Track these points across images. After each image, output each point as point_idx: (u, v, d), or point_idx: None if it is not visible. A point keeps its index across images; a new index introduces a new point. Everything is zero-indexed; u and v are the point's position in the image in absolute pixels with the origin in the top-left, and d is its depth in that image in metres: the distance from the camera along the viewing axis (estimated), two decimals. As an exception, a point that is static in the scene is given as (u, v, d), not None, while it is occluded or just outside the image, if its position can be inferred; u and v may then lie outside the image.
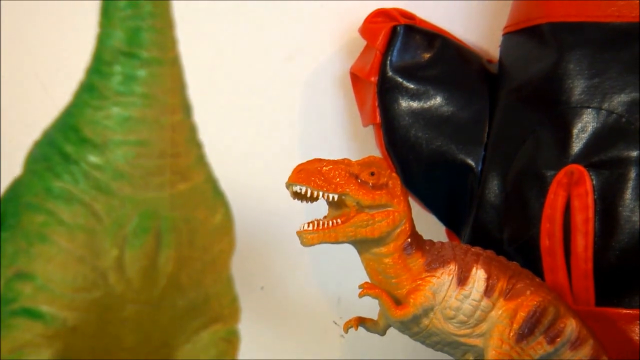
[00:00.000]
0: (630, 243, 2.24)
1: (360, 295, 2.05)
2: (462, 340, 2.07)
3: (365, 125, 2.49)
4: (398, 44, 2.42)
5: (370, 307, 2.09)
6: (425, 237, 2.07)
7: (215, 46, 2.31)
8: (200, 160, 1.41)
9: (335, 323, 2.21)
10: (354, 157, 2.04)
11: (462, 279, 2.04)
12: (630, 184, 2.25)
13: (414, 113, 2.42)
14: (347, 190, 1.96)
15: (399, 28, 2.43)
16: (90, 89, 1.38)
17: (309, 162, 1.99)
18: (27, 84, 2.36)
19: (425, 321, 2.04)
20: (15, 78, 2.44)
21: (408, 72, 2.42)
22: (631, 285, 2.24)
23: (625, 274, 2.24)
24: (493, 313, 2.05)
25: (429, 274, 2.03)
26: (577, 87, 2.31)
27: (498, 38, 2.48)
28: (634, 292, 2.24)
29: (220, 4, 2.44)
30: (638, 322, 2.22)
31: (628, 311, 2.23)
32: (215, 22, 2.43)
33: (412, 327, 2.06)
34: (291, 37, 2.55)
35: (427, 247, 2.05)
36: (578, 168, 2.26)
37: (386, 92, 2.42)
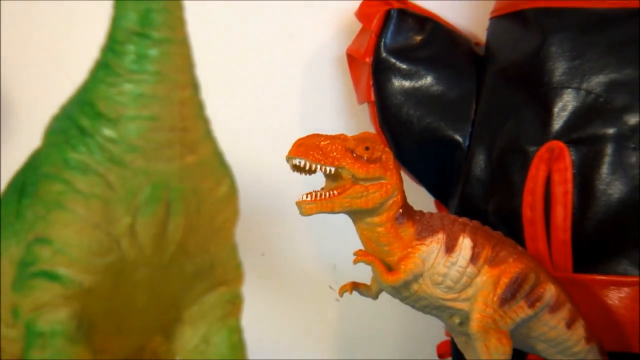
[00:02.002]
0: (606, 214, 2.25)
1: (355, 262, 2.06)
2: (449, 304, 2.08)
3: (360, 103, 2.50)
4: (392, 27, 2.43)
5: (364, 273, 2.10)
6: (416, 208, 2.08)
7: (220, 29, 2.32)
8: (208, 134, 1.42)
9: (331, 287, 2.22)
10: (349, 133, 2.05)
11: (450, 247, 2.05)
12: (607, 160, 2.26)
13: (406, 92, 2.43)
14: (343, 163, 1.97)
15: (392, 12, 2.44)
16: (105, 66, 1.39)
17: (307, 137, 2.00)
18: (43, 60, 2.36)
19: (415, 286, 2.06)
20: (31, 56, 2.45)
21: (401, 53, 2.44)
22: (606, 253, 2.26)
23: (601, 243, 2.26)
24: (478, 279, 2.06)
25: (418, 242, 2.04)
26: (559, 69, 2.32)
27: (485, 22, 2.49)
28: (608, 260, 2.25)
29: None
30: (611, 287, 2.24)
31: (603, 277, 2.24)
32: (221, 5, 2.43)
33: (403, 292, 2.07)
34: (291, 19, 2.55)
35: (418, 217, 2.06)
36: (558, 144, 2.28)
37: (380, 72, 2.43)
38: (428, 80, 2.44)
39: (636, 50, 2.30)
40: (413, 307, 2.12)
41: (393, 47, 2.43)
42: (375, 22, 2.44)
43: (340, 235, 2.20)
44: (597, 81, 2.30)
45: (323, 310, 2.48)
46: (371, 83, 2.44)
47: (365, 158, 1.99)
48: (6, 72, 2.47)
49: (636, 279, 2.24)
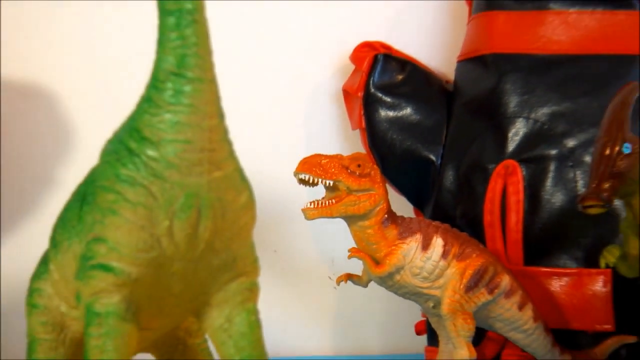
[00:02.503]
0: (550, 219, 2.27)
1: (349, 257, 2.09)
2: (425, 291, 2.10)
3: (353, 129, 2.50)
4: (378, 68, 2.43)
5: (357, 267, 2.10)
6: (398, 213, 2.09)
7: (240, 69, 2.30)
8: (231, 154, 1.42)
9: (330, 278, 2.21)
10: (345, 153, 2.06)
11: (425, 245, 2.07)
12: (550, 175, 2.28)
13: (390, 120, 2.43)
14: (340, 177, 2.01)
15: (379, 56, 2.44)
16: (149, 100, 1.38)
17: (311, 156, 2.03)
18: (99, 95, 2.35)
19: (397, 277, 2.07)
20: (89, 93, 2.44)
21: (386, 89, 2.44)
22: (550, 250, 2.26)
23: (546, 242, 2.26)
24: (448, 271, 2.08)
25: (400, 242, 2.07)
26: (512, 102, 2.33)
27: (453, 65, 2.48)
28: (552, 255, 2.26)
29: (241, 34, 2.44)
30: (554, 277, 2.24)
31: (547, 269, 2.26)
32: (238, 49, 2.42)
33: (387, 281, 2.09)
34: (299, 61, 2.54)
35: (399, 221, 2.08)
36: (512, 163, 2.29)
37: (369, 104, 2.44)
38: (408, 111, 2.44)
39: (573, 87, 2.32)
40: (396, 293, 2.14)
41: (379, 84, 2.43)
42: (366, 64, 2.44)
43: (337, 235, 2.19)
44: (542, 112, 2.30)
45: (324, 295, 2.47)
46: (362, 113, 2.44)
47: (357, 173, 2.02)
48: (70, 106, 2.47)
49: (574, 270, 2.26)
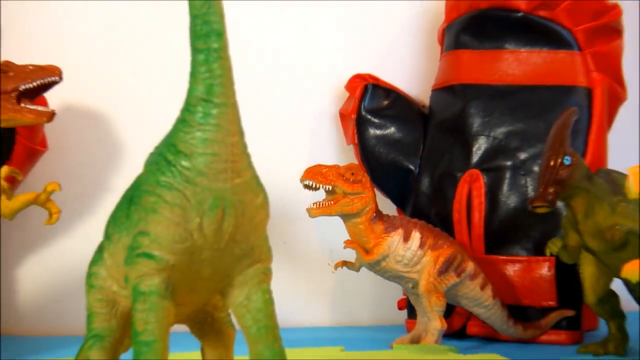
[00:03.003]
0: (506, 217, 2.28)
1: (345, 247, 2.11)
2: (405, 275, 2.11)
3: (348, 144, 2.49)
4: (368, 95, 2.43)
5: (351, 255, 2.09)
6: (384, 212, 2.09)
7: (257, 96, 2.29)
8: (249, 164, 1.41)
9: (329, 264, 2.21)
10: (341, 164, 2.08)
11: (406, 238, 2.09)
12: (506, 181, 2.30)
13: (377, 137, 2.43)
14: (337, 183, 2.03)
15: (369, 86, 2.44)
16: (183, 121, 1.37)
17: (313, 166, 2.06)
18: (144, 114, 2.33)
19: (383, 263, 2.09)
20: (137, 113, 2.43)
21: (374, 112, 2.43)
22: (506, 242, 2.27)
23: (503, 235, 2.28)
24: (424, 259, 2.10)
25: (386, 235, 2.09)
26: (475, 123, 2.33)
27: (429, 93, 2.47)
28: (507, 246, 2.28)
29: (259, 68, 2.43)
30: (509, 263, 2.26)
31: (503, 257, 2.27)
32: (256, 80, 2.41)
33: (375, 267, 2.11)
34: (305, 89, 2.54)
35: (385, 218, 2.11)
36: (476, 171, 2.29)
37: (361, 124, 2.44)
38: (392, 130, 2.44)
39: (524, 111, 2.34)
40: (382, 276, 2.16)
41: (369, 108, 2.43)
42: (358, 92, 2.44)
43: (335, 230, 2.18)
44: (500, 131, 2.31)
45: (324, 278, 2.46)
46: (355, 131, 2.45)
47: (351, 180, 2.05)
48: (120, 129, 2.46)
49: (525, 258, 2.28)
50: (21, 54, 2.27)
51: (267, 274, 1.45)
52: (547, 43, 2.34)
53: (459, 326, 2.27)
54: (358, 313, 2.52)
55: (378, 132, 2.43)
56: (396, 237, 2.09)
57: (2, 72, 1.96)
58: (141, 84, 2.44)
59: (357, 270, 2.14)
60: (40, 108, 2.00)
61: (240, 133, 1.40)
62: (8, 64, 1.98)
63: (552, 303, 2.23)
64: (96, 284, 1.52)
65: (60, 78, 1.99)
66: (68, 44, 2.42)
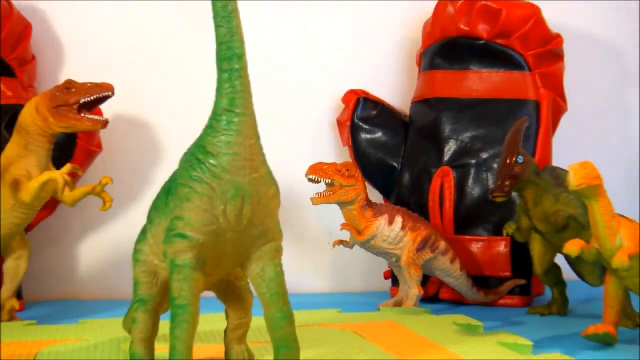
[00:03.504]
0: (470, 204, 2.28)
1: (341, 229, 2.12)
2: (390, 251, 2.12)
3: (343, 146, 2.48)
4: (360, 106, 2.43)
5: (346, 235, 2.08)
6: (373, 200, 2.08)
7: (270, 107, 2.27)
8: (264, 162, 1.40)
9: (328, 242, 2.19)
10: (338, 161, 2.07)
11: (390, 221, 2.09)
12: (471, 176, 2.29)
13: (367, 140, 2.42)
14: (335, 177, 2.04)
15: (360, 99, 2.44)
16: (210, 127, 1.37)
17: (316, 163, 2.06)
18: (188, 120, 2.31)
19: (372, 242, 2.09)
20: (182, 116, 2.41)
21: (364, 120, 2.43)
22: (471, 225, 2.27)
23: (468, 219, 2.26)
24: (405, 238, 2.11)
25: (374, 219, 2.09)
26: (446, 129, 2.33)
27: (409, 104, 2.46)
28: (472, 228, 2.27)
29: (269, 83, 2.42)
30: (473, 242, 2.26)
31: (469, 237, 2.27)
32: (268, 94, 2.40)
33: (366, 245, 2.11)
34: (309, 102, 2.52)
35: (374, 206, 2.11)
36: (447, 168, 2.29)
37: (354, 130, 2.43)
38: (379, 134, 2.42)
39: (485, 120, 2.33)
40: (371, 252, 2.16)
41: (360, 117, 2.42)
42: (352, 104, 2.44)
43: (333, 215, 2.17)
44: (466, 135, 2.31)
45: (324, 254, 2.45)
46: (349, 135, 2.44)
47: (346, 175, 2.06)
48: (160, 132, 2.45)
49: (486, 238, 2.28)
50: (76, 69, 2.29)
51: (278, 251, 1.44)
52: (504, 65, 2.34)
53: (433, 292, 2.26)
54: (351, 282, 2.51)
55: (368, 136, 2.42)
56: (382, 220, 2.08)
57: (66, 88, 1.96)
58: (176, 97, 2.44)
59: (351, 247, 2.13)
60: (96, 117, 2.00)
61: (257, 137, 1.39)
62: (70, 81, 1.98)
63: (507, 273, 2.23)
64: (141, 259, 1.51)
65: (112, 93, 1.98)
66: (116, 60, 2.41)
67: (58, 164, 2.01)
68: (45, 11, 2.41)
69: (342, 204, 2.06)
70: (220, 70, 1.37)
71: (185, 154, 1.42)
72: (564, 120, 2.44)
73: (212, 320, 1.71)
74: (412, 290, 2.08)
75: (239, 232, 1.39)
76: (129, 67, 2.39)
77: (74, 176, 2.04)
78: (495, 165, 2.19)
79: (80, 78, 2.03)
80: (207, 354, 1.61)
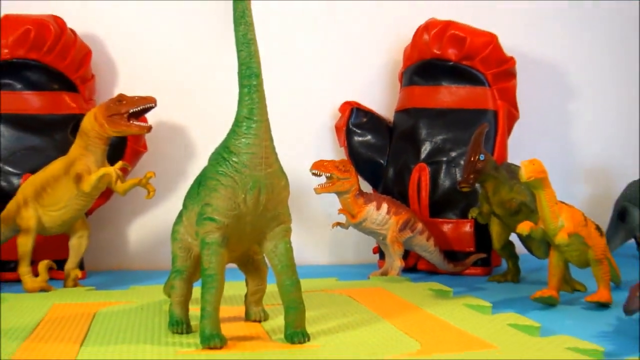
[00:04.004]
0: (442, 194, 2.25)
1: (338, 213, 2.10)
2: (378, 231, 2.11)
3: (340, 146, 2.45)
4: (353, 115, 2.41)
5: (342, 218, 2.07)
6: (364, 190, 2.07)
7: (280, 116, 2.24)
8: (276, 159, 1.39)
9: (328, 224, 2.18)
10: (336, 159, 2.06)
11: (378, 207, 2.08)
12: (443, 171, 2.28)
13: (359, 142, 2.40)
14: (334, 172, 2.03)
15: (354, 109, 2.42)
16: (233, 132, 1.37)
17: (318, 161, 2.04)
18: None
19: (363, 224, 2.09)
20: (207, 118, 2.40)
21: (357, 126, 2.40)
22: (443, 210, 2.25)
23: (440, 205, 2.25)
24: (390, 220, 2.10)
25: (365, 205, 2.08)
26: (423, 133, 2.32)
27: (393, 113, 2.44)
28: (444, 212, 2.26)
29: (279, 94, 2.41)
30: (445, 224, 2.24)
31: (441, 220, 2.25)
32: (277, 103, 2.38)
33: (358, 226, 2.10)
34: (312, 110, 2.50)
35: (365, 195, 2.09)
36: (423, 164, 2.29)
37: (348, 134, 2.41)
38: (369, 137, 2.41)
39: (454, 126, 2.30)
40: (362, 232, 2.15)
41: (354, 123, 2.40)
42: (347, 113, 2.42)
43: (332, 202, 2.16)
44: (439, 138, 2.30)
45: (325, 233, 2.43)
46: (344, 138, 2.41)
47: (342, 170, 2.05)
48: (192, 134, 2.44)
49: (454, 220, 2.26)
50: (126, 85, 2.26)
51: (288, 231, 1.44)
52: (469, 82, 2.32)
53: (412, 264, 2.25)
54: (346, 255, 2.49)
55: (359, 139, 2.40)
56: (371, 206, 2.07)
57: (118, 101, 1.96)
58: (205, 107, 2.42)
59: (346, 228, 2.11)
60: (142, 124, 2.01)
61: (271, 139, 1.39)
62: (122, 95, 1.98)
63: (471, 249, 2.22)
64: (177, 237, 1.51)
65: (155, 104, 1.99)
66: (158, 78, 2.40)
67: (112, 161, 2.01)
68: (102, 39, 2.40)
69: (339, 194, 2.05)
70: (241, 85, 1.36)
71: (213, 153, 1.41)
72: (517, 126, 2.43)
73: (235, 287, 1.70)
74: (395, 262, 2.07)
75: (256, 216, 1.39)
76: (168, 83, 2.38)
77: (124, 171, 2.04)
78: (462, 162, 2.18)
79: (129, 92, 2.02)
80: (230, 314, 1.60)
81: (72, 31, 2.26)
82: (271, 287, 1.54)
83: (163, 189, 2.31)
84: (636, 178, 2.36)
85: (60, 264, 2.05)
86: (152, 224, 2.40)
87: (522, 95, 2.40)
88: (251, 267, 1.56)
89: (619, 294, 1.75)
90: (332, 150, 2.48)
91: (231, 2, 1.36)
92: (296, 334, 1.40)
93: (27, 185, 1.99)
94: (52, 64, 2.20)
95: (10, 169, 2.15)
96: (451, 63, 2.32)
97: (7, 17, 2.19)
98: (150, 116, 2.10)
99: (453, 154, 2.26)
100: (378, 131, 2.40)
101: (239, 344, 1.40)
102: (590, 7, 2.62)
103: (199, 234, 1.39)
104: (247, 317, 1.58)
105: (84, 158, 1.94)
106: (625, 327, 1.53)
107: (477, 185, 2.01)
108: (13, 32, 2.16)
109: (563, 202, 1.72)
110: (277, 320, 1.53)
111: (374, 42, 2.51)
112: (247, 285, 1.58)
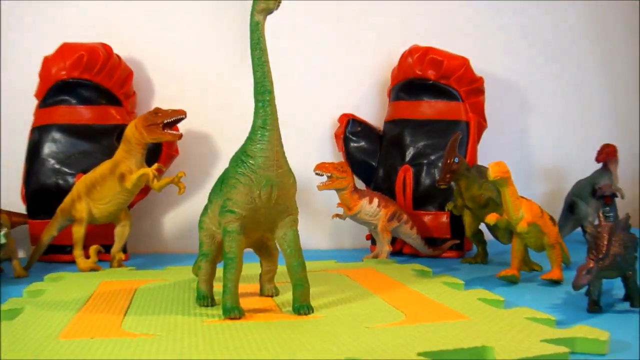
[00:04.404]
0: (423, 190, 2.22)
1: (337, 206, 2.07)
2: (370, 221, 2.09)
3: (339, 151, 2.44)
4: (350, 125, 2.39)
5: (340, 210, 2.05)
6: (359, 187, 2.05)
7: (287, 126, 2.24)
8: (286, 161, 1.39)
9: (329, 215, 2.16)
10: (335, 161, 2.05)
11: (370, 201, 2.07)
12: (424, 171, 2.25)
13: (354, 147, 2.39)
14: (333, 172, 2.02)
15: (350, 120, 2.40)
16: (250, 138, 1.36)
17: (320, 163, 2.03)
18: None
19: (358, 215, 2.07)
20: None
21: (353, 134, 2.39)
22: (423, 203, 2.23)
23: (422, 200, 2.28)
24: (380, 212, 2.08)
25: (359, 200, 2.06)
26: (407, 140, 2.30)
27: (382, 123, 2.43)
28: (425, 206, 2.23)
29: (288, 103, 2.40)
30: (426, 215, 2.22)
31: (422, 212, 2.22)
32: (286, 116, 2.38)
33: (354, 217, 2.07)
34: (315, 120, 2.48)
35: (359, 191, 2.07)
36: (407, 166, 2.27)
37: (346, 140, 2.39)
38: (362, 144, 2.39)
39: (433, 134, 2.28)
40: (357, 222, 2.13)
41: (350, 132, 2.39)
42: (344, 123, 2.40)
43: (332, 197, 2.15)
44: (421, 144, 2.28)
45: (326, 223, 2.42)
46: (342, 144, 2.40)
47: (341, 170, 2.03)
48: (217, 140, 2.43)
49: (434, 212, 2.24)
50: (162, 100, 2.29)
51: (295, 221, 1.44)
52: (445, 97, 2.31)
53: (398, 249, 2.24)
54: (344, 241, 2.49)
55: (355, 145, 2.39)
56: (365, 201, 2.05)
57: (155, 113, 1.95)
58: (226, 118, 2.41)
59: (344, 219, 2.10)
60: (174, 132, 2.00)
61: (281, 145, 1.38)
62: (158, 108, 1.98)
63: (448, 236, 2.21)
64: (204, 226, 1.50)
65: (185, 116, 1.98)
66: (187, 93, 2.39)
67: (149, 163, 2.01)
68: (142, 62, 2.40)
69: (337, 190, 2.04)
70: (256, 100, 1.36)
71: (233, 156, 1.41)
72: (485, 134, 2.42)
73: (251, 267, 1.69)
74: (384, 247, 2.06)
75: (269, 209, 1.38)
76: (196, 99, 2.39)
77: (159, 171, 2.04)
78: (439, 164, 2.17)
79: (164, 106, 2.02)
80: (247, 290, 1.60)
81: (118, 56, 2.28)
82: (281, 268, 1.54)
83: (191, 186, 2.31)
84: (582, 177, 2.36)
85: (107, 248, 2.05)
86: (183, 215, 2.40)
87: (489, 109, 2.40)
88: (264, 251, 1.56)
89: (568, 273, 1.76)
90: (332, 154, 2.47)
91: (248, 31, 1.36)
92: (302, 307, 1.40)
93: (80, 183, 1.99)
94: (101, 83, 2.22)
95: (66, 170, 2.16)
96: (431, 82, 2.31)
97: (65, 44, 2.21)
98: (181, 126, 2.10)
99: (432, 157, 2.25)
100: (370, 138, 2.39)
101: (254, 315, 1.40)
102: (548, 37, 2.63)
103: (221, 224, 1.39)
104: (261, 293, 1.58)
105: (127, 160, 1.94)
106: (574, 300, 1.53)
107: (452, 183, 2.00)
108: (70, 57, 2.18)
109: (523, 197, 1.72)
110: (286, 296, 1.53)
111: (367, 65, 2.50)
112: (261, 266, 1.58)
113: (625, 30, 2.66)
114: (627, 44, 2.68)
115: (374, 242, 2.25)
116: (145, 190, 2.19)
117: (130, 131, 1.94)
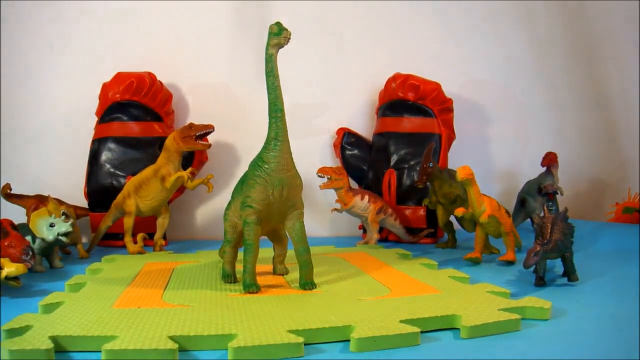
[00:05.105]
0: (405, 189, 2.19)
1: (335, 202, 2.03)
2: (362, 214, 2.06)
3: (336, 157, 2.42)
4: (345, 136, 2.38)
5: (337, 205, 2.03)
6: (353, 187, 2.03)
7: (293, 139, 2.22)
8: (294, 166, 1.38)
9: (328, 209, 2.14)
10: (334, 166, 2.01)
11: (362, 198, 2.05)
12: (405, 174, 2.22)
13: (349, 155, 2.37)
14: (332, 174, 1.99)
15: (345, 132, 2.39)
16: (265, 148, 1.35)
17: (322, 167, 2.02)
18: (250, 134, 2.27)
19: (352, 209, 2.05)
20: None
21: (348, 144, 2.38)
22: (405, 199, 2.24)
23: (403, 196, 2.25)
24: (370, 207, 2.05)
25: (353, 197, 2.04)
26: (392, 148, 2.28)
27: (372, 135, 2.41)
28: (406, 201, 2.21)
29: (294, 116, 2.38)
30: (407, 209, 2.19)
31: (404, 207, 2.18)
32: (292, 128, 2.35)
33: (348, 211, 2.05)
34: (318, 133, 2.46)
35: (353, 190, 2.05)
36: (392, 170, 2.24)
37: (342, 149, 2.37)
38: (356, 152, 2.37)
39: (413, 143, 2.25)
40: (352, 215, 2.09)
41: (345, 142, 2.37)
42: (341, 135, 2.38)
43: (331, 195, 2.13)
44: (402, 152, 2.26)
45: (325, 215, 2.40)
46: (339, 152, 2.38)
47: (338, 173, 2.02)
48: (237, 145, 2.41)
49: (413, 207, 2.21)
50: (195, 116, 2.28)
51: (301, 214, 1.42)
52: (422, 114, 2.29)
53: (384, 236, 2.23)
54: (341, 230, 2.46)
55: (350, 152, 2.37)
56: (358, 197, 2.04)
57: (189, 127, 1.95)
58: (246, 131, 2.38)
59: (341, 212, 2.08)
60: (205, 143, 2.00)
61: (290, 153, 1.37)
62: (192, 123, 1.99)
63: (424, 226, 2.19)
64: (228, 218, 1.49)
65: (213, 129, 1.98)
66: (215, 110, 2.38)
67: (185, 167, 2.02)
68: (179, 87, 2.40)
69: (335, 189, 2.02)
70: (270, 116, 1.35)
71: (251, 162, 1.40)
72: (454, 144, 2.41)
73: (265, 251, 1.69)
74: (373, 235, 2.05)
75: (280, 204, 1.37)
76: (222, 116, 2.38)
77: (193, 174, 2.03)
78: (418, 168, 2.16)
79: (197, 121, 2.02)
80: (263, 269, 1.59)
81: (160, 82, 2.29)
82: (290, 252, 1.53)
83: (218, 186, 2.30)
84: (530, 178, 2.36)
85: (151, 235, 2.07)
86: (211, 209, 2.39)
87: (457, 124, 2.39)
88: (277, 238, 1.55)
89: (520, 255, 1.77)
90: (331, 160, 2.45)
91: (264, 61, 1.35)
92: (307, 284, 1.39)
93: (130, 183, 2.00)
94: (146, 104, 2.23)
95: (119, 173, 2.17)
96: (410, 102, 2.29)
97: (119, 74, 2.25)
98: (210, 137, 2.09)
99: (412, 162, 2.23)
100: (362, 147, 2.38)
101: (269, 290, 1.39)
102: (501, 66, 2.62)
103: (242, 216, 1.38)
104: (274, 272, 1.57)
105: (166, 165, 1.94)
106: (524, 277, 1.53)
107: (428, 183, 1.99)
108: (122, 83, 2.22)
109: (485, 195, 1.71)
110: (294, 274, 1.52)
111: (359, 89, 2.49)
112: (274, 250, 1.57)
113: (563, 58, 2.65)
114: (566, 71, 2.66)
115: (364, 231, 2.23)
116: (181, 189, 2.20)
117: (169, 142, 1.95)
